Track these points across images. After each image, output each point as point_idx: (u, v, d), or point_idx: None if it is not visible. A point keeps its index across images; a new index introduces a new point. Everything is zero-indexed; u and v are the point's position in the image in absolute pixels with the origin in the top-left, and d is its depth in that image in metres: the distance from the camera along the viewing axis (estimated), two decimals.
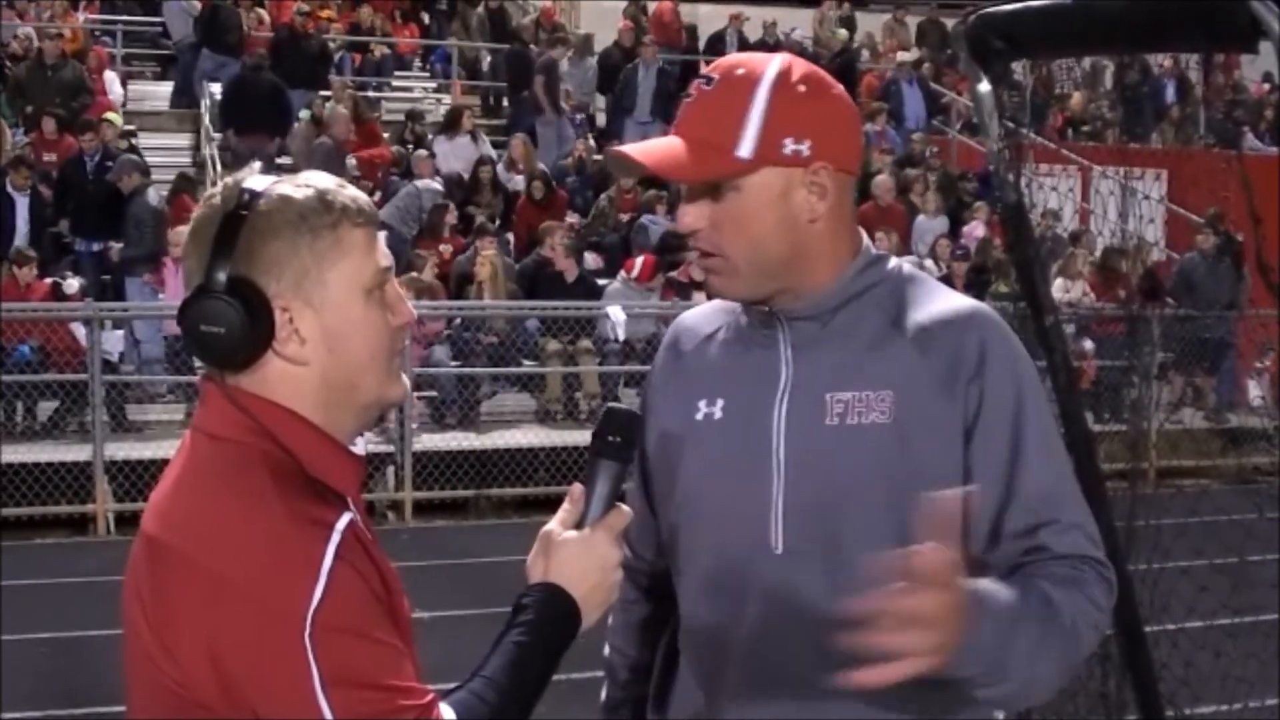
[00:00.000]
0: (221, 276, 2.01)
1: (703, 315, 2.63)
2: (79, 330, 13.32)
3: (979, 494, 2.31)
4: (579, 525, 2.21)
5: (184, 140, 20.19)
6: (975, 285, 16.61)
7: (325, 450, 2.06)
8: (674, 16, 23.83)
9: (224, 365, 2.06)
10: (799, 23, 25.36)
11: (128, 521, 12.41)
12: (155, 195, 16.04)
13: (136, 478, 12.38)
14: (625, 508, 2.24)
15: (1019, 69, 3.68)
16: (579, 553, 2.17)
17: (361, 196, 2.12)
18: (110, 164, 16.21)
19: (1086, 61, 22.74)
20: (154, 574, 1.99)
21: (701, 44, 24.39)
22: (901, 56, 23.53)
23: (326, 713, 1.87)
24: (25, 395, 13.60)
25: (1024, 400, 2.40)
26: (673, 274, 16.27)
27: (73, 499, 12.58)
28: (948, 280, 16.67)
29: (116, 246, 15.74)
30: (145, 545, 2.04)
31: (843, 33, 24.96)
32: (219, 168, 18.31)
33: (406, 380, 2.22)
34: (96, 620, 8.27)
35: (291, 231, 2.03)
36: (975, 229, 18.59)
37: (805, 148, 2.33)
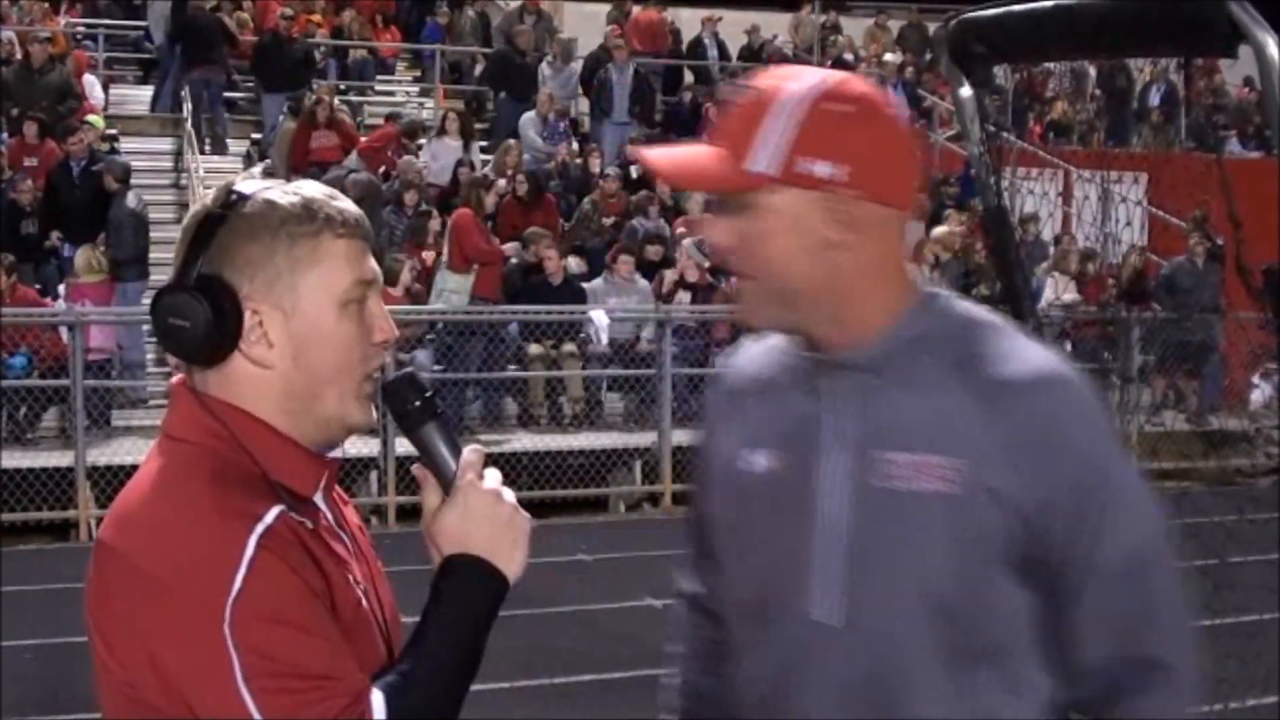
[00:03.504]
0: (195, 273, 2.05)
1: (753, 355, 2.44)
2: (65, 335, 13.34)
3: (1042, 606, 2.15)
4: (447, 491, 2.15)
5: (166, 144, 20.14)
6: (957, 289, 16.63)
7: (284, 452, 2.08)
8: (659, 21, 23.81)
9: (189, 359, 2.09)
10: (779, 27, 25.38)
11: None
12: (135, 199, 16.03)
13: (119, 483, 12.31)
14: (472, 447, 2.17)
15: (1000, 73, 3.69)
16: (455, 517, 2.11)
17: (352, 210, 2.13)
18: (95, 168, 16.20)
19: (1069, 65, 22.85)
20: (97, 576, 2.02)
21: (684, 48, 24.41)
22: (888, 58, 23.53)
23: (249, 701, 1.88)
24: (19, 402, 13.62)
25: (1107, 491, 2.17)
26: (667, 272, 16.25)
27: (55, 505, 12.57)
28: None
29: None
30: (95, 548, 2.05)
31: (834, 38, 25.01)
32: (201, 172, 18.35)
33: (373, 410, 2.17)
34: (79, 626, 8.25)
35: (269, 235, 2.06)
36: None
37: (840, 172, 2.13)
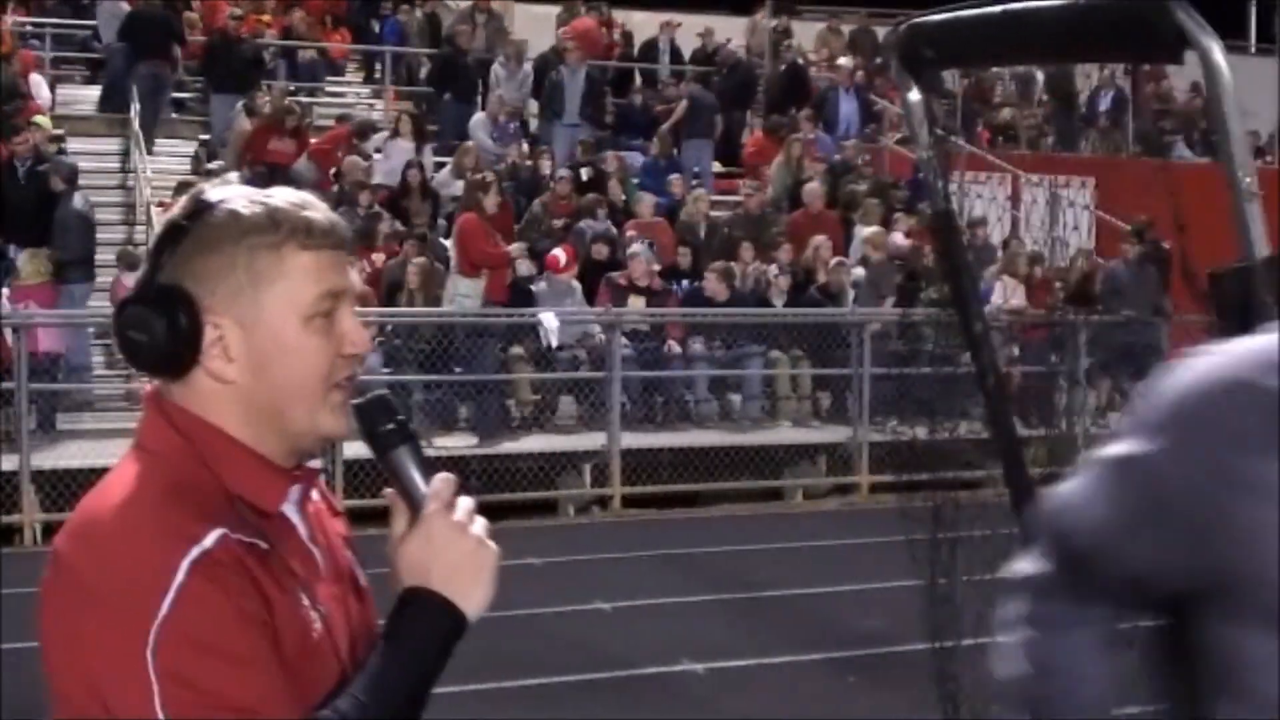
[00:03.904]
0: (157, 285, 2.02)
1: None
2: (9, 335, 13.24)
3: None
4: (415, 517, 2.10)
5: (113, 145, 20.02)
6: (906, 292, 16.70)
7: (247, 466, 2.03)
8: (594, 28, 23.78)
9: (150, 372, 2.06)
10: (733, 31, 25.43)
11: (55, 532, 12.31)
12: (82, 200, 15.94)
13: (64, 487, 12.28)
14: (442, 476, 2.10)
15: (949, 78, 3.70)
16: (416, 548, 2.05)
17: (324, 219, 2.07)
18: (41, 168, 16.09)
19: (1017, 70, 22.98)
20: (45, 580, 1.98)
21: (635, 50, 24.43)
22: (841, 62, 23.61)
23: None
24: None
25: None
26: (613, 275, 16.26)
27: None
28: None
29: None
30: (49, 554, 2.02)
31: (787, 42, 25.08)
32: (149, 173, 18.26)
33: (346, 417, 2.12)
34: (23, 633, 8.21)
35: (231, 246, 2.01)
36: (895, 238, 18.64)
37: None
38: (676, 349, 15.90)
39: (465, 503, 2.11)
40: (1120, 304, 17.46)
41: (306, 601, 2.03)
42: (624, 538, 12.61)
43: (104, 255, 16.23)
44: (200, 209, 2.03)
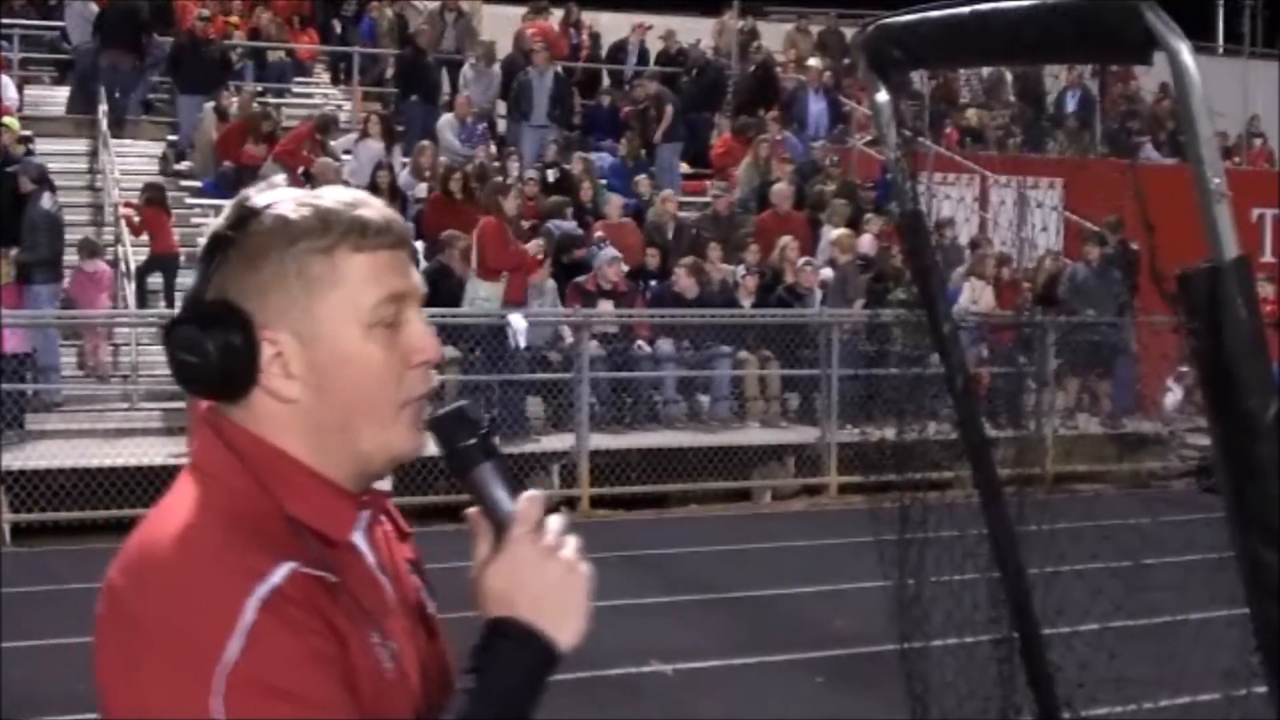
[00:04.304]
0: (206, 301, 1.88)
1: None
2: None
3: None
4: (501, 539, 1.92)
5: (81, 145, 19.97)
6: (874, 293, 16.73)
7: (314, 492, 1.87)
8: (548, 29, 23.79)
9: (205, 396, 1.91)
10: (700, 32, 25.46)
11: (24, 533, 12.26)
12: (50, 200, 15.89)
13: (33, 487, 12.23)
14: (530, 494, 1.93)
15: (916, 78, 3.70)
16: (501, 575, 1.88)
17: (378, 216, 1.91)
18: (9, 169, 16.02)
19: (985, 71, 23.04)
20: (101, 613, 1.82)
21: (604, 52, 24.44)
22: (811, 63, 23.65)
23: None
24: None
25: None
26: (580, 280, 16.27)
27: None
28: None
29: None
30: (103, 586, 1.85)
31: (755, 44, 25.13)
32: (116, 173, 18.22)
33: (422, 435, 1.95)
34: None
35: (280, 254, 1.86)
36: (865, 241, 18.70)
37: None
38: (646, 349, 15.92)
39: (555, 523, 1.94)
40: (1083, 305, 17.54)
41: (377, 638, 1.87)
42: (592, 539, 12.32)
43: (71, 257, 16.19)
44: (246, 216, 1.89)
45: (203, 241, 1.93)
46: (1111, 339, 17.72)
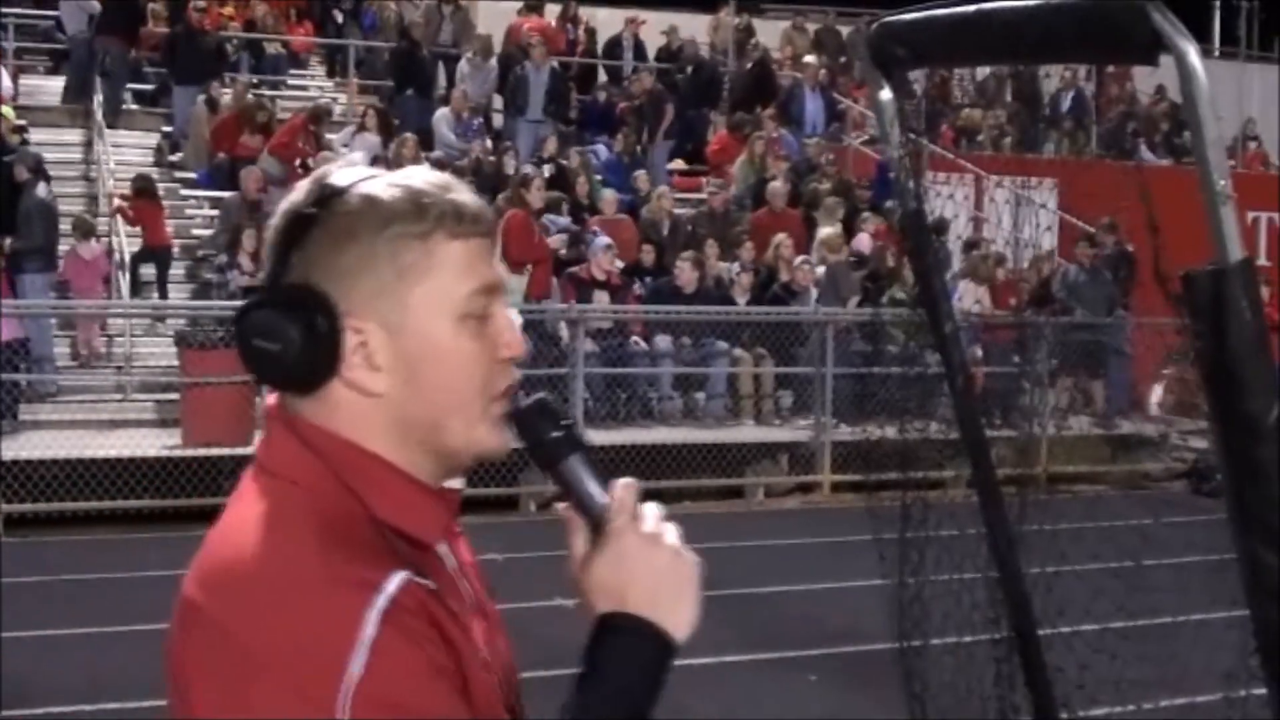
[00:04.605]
0: (285, 285, 1.74)
1: None
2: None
3: None
4: (598, 533, 1.83)
5: (76, 136, 19.96)
6: (870, 292, 16.74)
7: (404, 493, 1.76)
8: (554, 25, 23.82)
9: (280, 387, 1.78)
10: (696, 29, 25.45)
11: (17, 523, 12.24)
12: (45, 190, 15.89)
13: (27, 477, 12.22)
14: (624, 481, 1.84)
15: (912, 77, 3.69)
16: (608, 567, 1.79)
17: (471, 202, 1.79)
18: (5, 158, 16.01)
19: (981, 72, 23.05)
20: (180, 639, 1.69)
21: (599, 48, 24.42)
22: (807, 60, 23.63)
23: None
24: None
25: None
26: (574, 270, 16.25)
27: None
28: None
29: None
30: (178, 605, 1.72)
31: (752, 40, 25.14)
32: (111, 164, 18.21)
33: (507, 433, 1.85)
34: None
35: (370, 238, 1.73)
36: (861, 240, 18.72)
37: None
38: (641, 345, 15.91)
39: (651, 509, 1.85)
40: (1075, 305, 17.56)
41: (471, 644, 1.76)
42: None
43: (66, 240, 16.22)
44: (329, 194, 1.75)
45: (274, 221, 1.79)
46: (1105, 340, 17.74)
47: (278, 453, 1.77)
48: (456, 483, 1.86)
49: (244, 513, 1.73)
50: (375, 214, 1.73)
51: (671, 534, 1.83)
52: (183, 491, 12.68)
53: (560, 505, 1.88)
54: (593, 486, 1.85)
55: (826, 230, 18.21)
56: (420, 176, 1.79)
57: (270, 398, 1.82)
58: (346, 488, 1.72)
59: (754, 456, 15.55)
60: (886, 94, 3.72)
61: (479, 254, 1.78)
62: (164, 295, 16.91)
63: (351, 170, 1.79)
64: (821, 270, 17.65)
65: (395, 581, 1.63)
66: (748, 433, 15.92)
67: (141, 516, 12.68)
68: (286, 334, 1.71)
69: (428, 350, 1.74)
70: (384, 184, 1.76)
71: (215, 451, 12.93)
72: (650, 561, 1.79)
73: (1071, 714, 3.95)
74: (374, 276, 1.72)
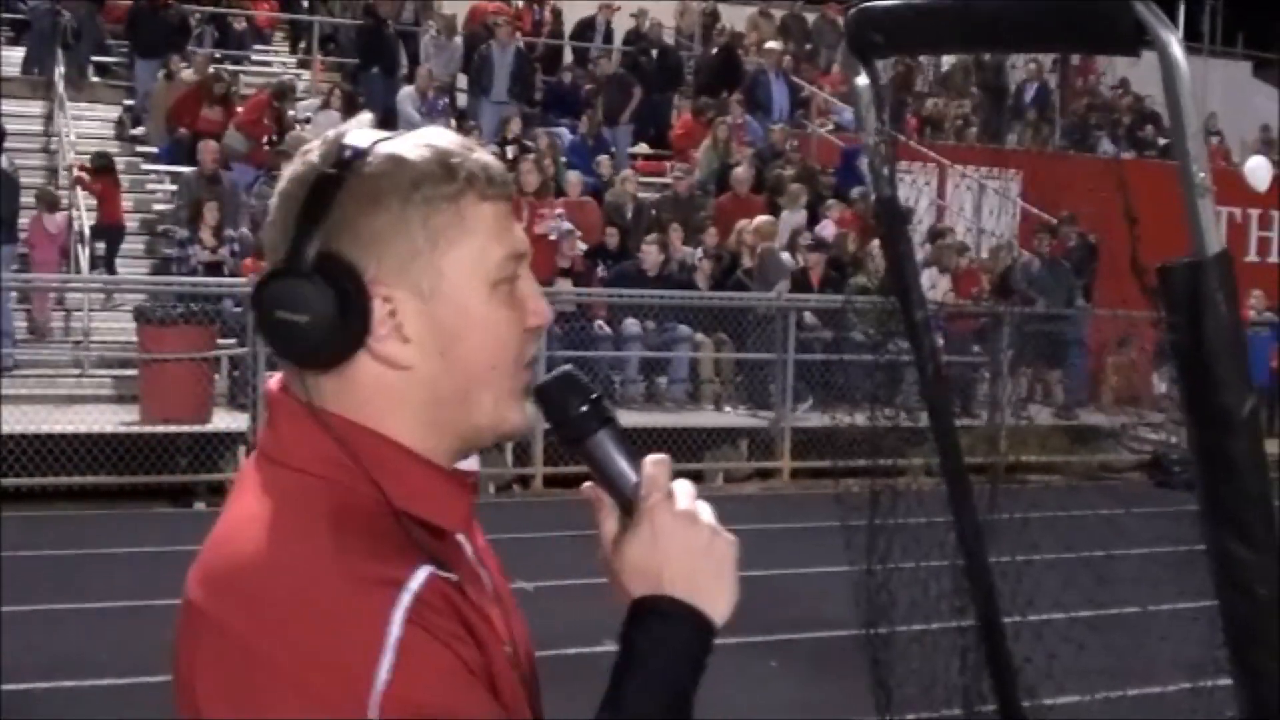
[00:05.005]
0: (309, 252, 1.61)
1: None
2: None
3: None
4: (628, 513, 1.74)
5: (36, 108, 19.82)
6: (832, 279, 16.77)
7: (421, 478, 1.66)
8: (526, 7, 23.77)
9: (305, 363, 1.64)
10: (664, 14, 25.42)
11: None
12: (6, 161, 15.79)
13: None
14: (655, 458, 1.75)
15: (882, 66, 3.67)
16: (643, 548, 1.71)
17: (496, 165, 1.70)
18: None
19: (947, 61, 23.09)
20: (188, 648, 1.59)
21: (568, 30, 24.36)
22: (769, 45, 23.61)
23: None
24: None
25: None
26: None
27: None
28: (804, 273, 16.83)
29: None
30: (183, 611, 1.63)
31: (718, 25, 25.12)
32: (72, 136, 18.11)
33: (529, 408, 1.76)
34: None
35: (400, 202, 1.62)
36: (826, 227, 18.73)
37: None
38: (605, 330, 15.89)
39: (684, 486, 1.75)
40: (1035, 295, 17.64)
41: (496, 635, 1.67)
42: (546, 517, 12.56)
43: (26, 219, 16.09)
44: (350, 156, 1.64)
45: (284, 186, 1.67)
46: (1064, 330, 17.82)
47: (286, 439, 1.65)
48: (472, 464, 1.76)
49: (250, 507, 1.63)
50: (403, 175, 1.63)
51: (707, 512, 1.73)
52: (140, 468, 12.63)
53: (585, 485, 1.78)
54: (623, 463, 1.75)
55: (760, 218, 18.07)
56: (443, 137, 1.69)
57: (272, 381, 1.72)
58: (363, 475, 1.61)
59: (713, 442, 15.56)
60: (864, 80, 3.70)
61: (507, 218, 1.69)
62: (111, 271, 16.81)
63: (368, 131, 1.69)
64: (787, 256, 17.62)
65: (419, 578, 1.54)
66: (707, 418, 15.94)
67: (99, 493, 12.63)
68: (315, 304, 1.59)
69: (461, 319, 1.64)
70: (410, 144, 1.66)
71: (173, 428, 12.89)
72: (687, 541, 1.70)
73: (1036, 702, 3.96)
74: (406, 241, 1.62)
